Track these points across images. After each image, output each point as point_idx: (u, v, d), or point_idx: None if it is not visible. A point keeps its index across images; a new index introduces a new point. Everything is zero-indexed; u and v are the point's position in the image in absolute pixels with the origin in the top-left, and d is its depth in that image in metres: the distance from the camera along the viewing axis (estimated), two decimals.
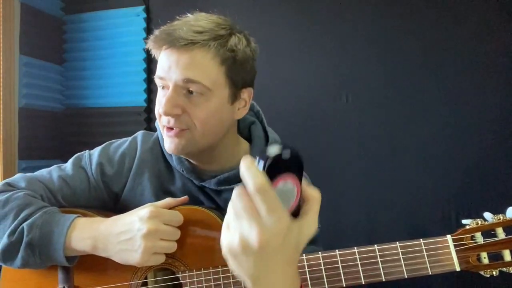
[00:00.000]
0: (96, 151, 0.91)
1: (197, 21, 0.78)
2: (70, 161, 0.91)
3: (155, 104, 0.81)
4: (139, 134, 0.94)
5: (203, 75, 0.75)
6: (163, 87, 0.79)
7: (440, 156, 1.59)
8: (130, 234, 0.73)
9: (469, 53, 1.58)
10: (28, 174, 0.88)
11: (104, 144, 0.93)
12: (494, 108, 1.54)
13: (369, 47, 1.70)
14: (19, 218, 0.76)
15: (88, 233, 0.75)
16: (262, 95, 1.77)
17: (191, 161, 0.87)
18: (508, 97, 1.53)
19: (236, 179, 0.84)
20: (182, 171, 0.87)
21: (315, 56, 1.76)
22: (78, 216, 0.78)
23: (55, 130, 2.05)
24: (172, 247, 0.75)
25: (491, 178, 1.53)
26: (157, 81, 0.79)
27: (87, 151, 0.92)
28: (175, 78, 0.75)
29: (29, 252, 0.75)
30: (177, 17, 0.82)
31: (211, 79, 0.76)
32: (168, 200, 0.79)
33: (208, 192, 0.88)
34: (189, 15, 0.81)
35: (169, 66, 0.75)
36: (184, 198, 0.81)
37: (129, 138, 0.94)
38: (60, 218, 0.77)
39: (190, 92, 0.76)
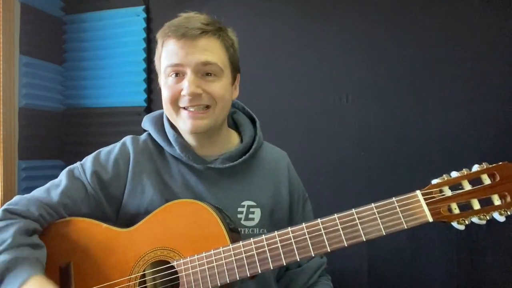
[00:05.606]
0: (87, 161, 0.94)
1: (197, 17, 0.88)
2: (63, 174, 0.92)
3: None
4: (127, 139, 0.99)
5: (217, 58, 0.87)
6: (176, 74, 0.87)
7: (440, 155, 1.59)
8: None
9: (469, 53, 1.58)
10: (27, 195, 0.88)
11: (94, 153, 0.96)
12: (494, 107, 1.55)
13: (369, 47, 1.70)
14: None
15: None
16: (263, 95, 1.78)
17: (194, 146, 0.94)
18: (508, 97, 1.53)
19: (237, 157, 0.95)
20: (188, 157, 0.91)
21: (315, 56, 1.77)
22: (34, 275, 0.74)
23: (55, 130, 2.05)
24: None
25: None
26: (168, 69, 0.87)
27: (77, 163, 0.95)
28: (195, 61, 0.85)
29: None
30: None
31: (222, 62, 0.88)
32: None
33: (208, 179, 0.93)
34: (182, 14, 0.90)
35: (185, 53, 0.85)
36: None
37: (118, 144, 0.98)
38: (18, 273, 0.73)
39: (207, 74, 0.87)
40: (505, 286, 1.50)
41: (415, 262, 1.60)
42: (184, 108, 0.88)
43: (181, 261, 0.79)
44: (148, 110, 1.95)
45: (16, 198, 0.87)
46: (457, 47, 1.59)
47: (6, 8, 1.77)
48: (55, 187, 0.89)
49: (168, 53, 0.87)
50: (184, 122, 0.88)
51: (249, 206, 0.93)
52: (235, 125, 1.05)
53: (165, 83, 0.89)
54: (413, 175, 1.62)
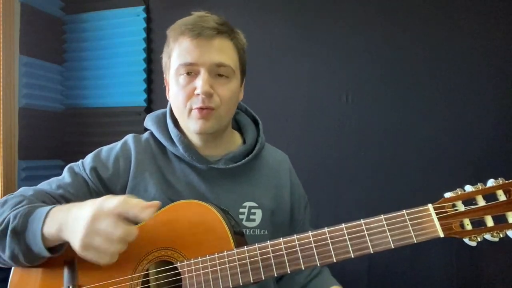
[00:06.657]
0: (88, 158, 0.94)
1: (210, 17, 0.89)
2: (65, 171, 0.93)
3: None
4: (129, 137, 0.98)
5: (231, 60, 0.89)
6: (188, 73, 0.87)
7: (440, 155, 1.59)
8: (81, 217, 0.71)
9: (469, 52, 1.58)
10: (30, 187, 0.89)
11: (95, 151, 0.96)
12: (494, 108, 1.55)
13: (369, 47, 1.70)
14: (10, 210, 0.78)
15: (58, 217, 0.74)
16: (264, 96, 1.78)
17: (198, 146, 0.94)
18: (508, 97, 1.53)
19: (239, 158, 0.95)
20: (191, 157, 0.91)
21: (316, 56, 1.76)
22: (54, 208, 0.76)
23: (55, 130, 2.05)
24: (106, 253, 0.71)
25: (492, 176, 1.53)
26: (181, 68, 0.87)
27: (80, 160, 0.95)
28: (210, 61, 0.86)
29: (14, 240, 0.74)
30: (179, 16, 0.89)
31: (234, 64, 0.90)
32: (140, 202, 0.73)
33: (210, 179, 0.93)
34: (195, 13, 0.90)
35: (200, 52, 0.85)
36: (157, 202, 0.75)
37: (119, 142, 0.97)
38: (42, 208, 0.76)
39: (220, 75, 0.88)
40: (505, 286, 1.50)
41: (415, 261, 1.60)
42: (195, 109, 0.87)
43: (185, 262, 0.78)
44: (148, 110, 1.95)
45: (21, 188, 0.88)
46: (459, 46, 1.59)
47: (6, 8, 1.77)
48: (57, 181, 0.90)
49: (181, 51, 0.87)
50: (195, 123, 0.88)
51: (250, 207, 0.93)
52: (237, 126, 1.05)
53: (176, 82, 0.89)
54: (413, 175, 1.62)
